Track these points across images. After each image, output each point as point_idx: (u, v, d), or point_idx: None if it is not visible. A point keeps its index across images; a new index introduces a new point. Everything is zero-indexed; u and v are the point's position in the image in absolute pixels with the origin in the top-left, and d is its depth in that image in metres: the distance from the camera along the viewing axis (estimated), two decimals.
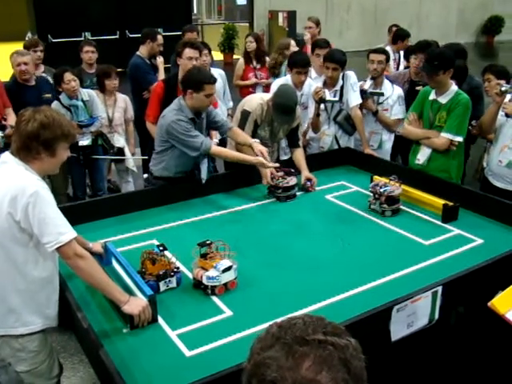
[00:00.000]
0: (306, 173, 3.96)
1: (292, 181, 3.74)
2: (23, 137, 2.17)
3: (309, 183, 3.90)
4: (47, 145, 2.20)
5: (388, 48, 5.90)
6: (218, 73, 5.26)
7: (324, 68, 4.37)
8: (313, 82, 4.64)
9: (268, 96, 3.98)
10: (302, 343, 0.93)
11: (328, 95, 4.24)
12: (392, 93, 4.53)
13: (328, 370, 0.90)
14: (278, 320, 1.01)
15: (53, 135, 2.19)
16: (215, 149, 3.57)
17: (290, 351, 0.92)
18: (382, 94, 4.49)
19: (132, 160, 5.45)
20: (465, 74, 4.33)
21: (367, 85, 4.47)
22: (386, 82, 4.56)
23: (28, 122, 2.17)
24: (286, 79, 4.63)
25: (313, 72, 4.79)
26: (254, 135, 3.95)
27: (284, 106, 3.74)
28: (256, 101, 3.96)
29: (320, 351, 0.91)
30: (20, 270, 2.19)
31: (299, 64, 4.33)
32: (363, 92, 4.43)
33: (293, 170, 3.84)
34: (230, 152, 3.73)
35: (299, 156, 4.07)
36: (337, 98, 4.33)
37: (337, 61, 4.25)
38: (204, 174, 3.62)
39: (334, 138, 4.48)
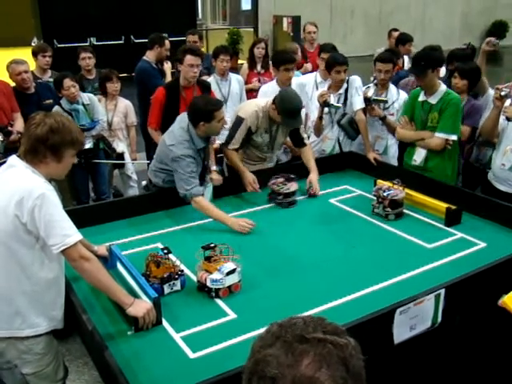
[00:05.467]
0: (310, 176, 3.91)
1: (293, 187, 3.69)
2: (32, 139, 2.21)
3: (311, 190, 3.88)
4: (54, 149, 2.22)
5: None
6: (235, 78, 5.30)
7: (334, 73, 4.30)
8: (300, 80, 4.74)
9: (263, 102, 3.90)
10: (302, 341, 0.94)
11: (332, 100, 4.24)
12: (398, 97, 4.48)
13: (327, 368, 0.91)
14: (279, 320, 1.02)
15: (61, 140, 2.22)
16: (198, 201, 3.35)
17: (290, 349, 0.93)
18: (386, 102, 4.43)
19: (131, 166, 5.46)
20: (478, 75, 4.25)
21: (370, 92, 4.38)
22: (392, 87, 4.50)
23: (38, 125, 2.20)
24: (270, 84, 4.69)
25: (318, 76, 4.81)
26: (248, 142, 3.94)
27: (291, 110, 3.71)
28: (251, 108, 3.88)
29: (319, 349, 0.93)
30: (26, 271, 2.21)
31: (288, 61, 4.48)
32: (367, 100, 4.35)
33: (293, 176, 3.77)
34: (210, 210, 3.36)
35: (308, 156, 4.04)
36: (341, 105, 4.32)
37: (346, 62, 4.30)
38: (207, 197, 3.56)
39: (335, 141, 4.49)
